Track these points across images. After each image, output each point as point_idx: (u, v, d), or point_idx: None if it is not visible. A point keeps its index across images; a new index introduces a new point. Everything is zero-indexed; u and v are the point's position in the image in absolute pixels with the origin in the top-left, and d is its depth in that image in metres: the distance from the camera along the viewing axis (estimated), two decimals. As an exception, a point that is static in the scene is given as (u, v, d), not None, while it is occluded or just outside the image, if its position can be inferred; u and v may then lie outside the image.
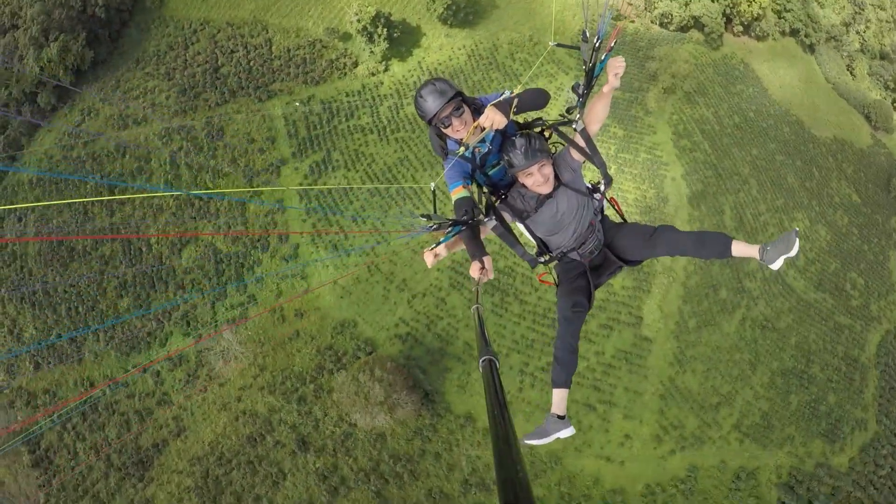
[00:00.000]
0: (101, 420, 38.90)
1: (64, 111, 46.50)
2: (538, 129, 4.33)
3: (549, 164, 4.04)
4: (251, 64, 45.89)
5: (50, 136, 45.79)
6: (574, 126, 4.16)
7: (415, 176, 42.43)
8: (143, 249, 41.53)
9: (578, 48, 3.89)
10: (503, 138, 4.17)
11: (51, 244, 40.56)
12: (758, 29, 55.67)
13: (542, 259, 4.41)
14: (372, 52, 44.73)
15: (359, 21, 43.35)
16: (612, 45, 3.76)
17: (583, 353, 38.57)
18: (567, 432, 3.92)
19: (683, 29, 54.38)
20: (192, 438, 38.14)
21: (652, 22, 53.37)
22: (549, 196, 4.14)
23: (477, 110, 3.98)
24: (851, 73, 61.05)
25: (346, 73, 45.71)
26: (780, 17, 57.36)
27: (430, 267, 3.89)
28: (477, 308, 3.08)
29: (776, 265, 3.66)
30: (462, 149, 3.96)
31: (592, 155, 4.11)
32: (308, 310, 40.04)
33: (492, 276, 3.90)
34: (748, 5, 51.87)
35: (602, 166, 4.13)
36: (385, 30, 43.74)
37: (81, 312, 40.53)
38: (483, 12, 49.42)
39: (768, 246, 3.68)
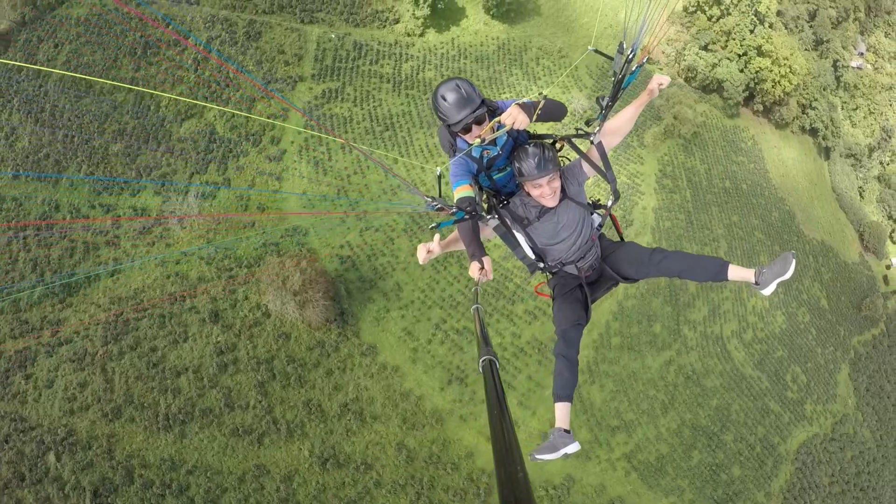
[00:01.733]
0: (52, 240, 41.17)
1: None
2: (551, 141, 4.34)
3: (558, 178, 4.02)
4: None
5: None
6: (591, 139, 4.18)
7: (411, 131, 44.77)
8: (151, 108, 44.64)
9: (613, 58, 3.92)
10: (514, 145, 4.14)
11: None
12: (778, 114, 56.96)
13: (541, 265, 4.37)
14: (415, 15, 48.09)
15: None
16: (645, 60, 3.87)
17: (500, 329, 39.31)
18: (573, 448, 3.69)
19: (706, 89, 55.99)
20: (121, 281, 39.89)
21: (679, 74, 55.41)
22: (551, 207, 4.12)
23: (494, 115, 3.92)
24: (861, 194, 61.61)
25: (385, 25, 49.11)
26: (803, 112, 58.67)
27: (422, 263, 3.91)
28: (477, 308, 3.00)
29: (769, 290, 3.74)
30: (477, 140, 3.86)
31: (606, 170, 4.11)
32: (271, 208, 42.11)
33: (490, 278, 3.87)
34: (773, 85, 53.49)
35: (613, 182, 4.11)
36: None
37: (76, 142, 43.48)
38: (525, 13, 52.47)
39: (764, 269, 3.73)
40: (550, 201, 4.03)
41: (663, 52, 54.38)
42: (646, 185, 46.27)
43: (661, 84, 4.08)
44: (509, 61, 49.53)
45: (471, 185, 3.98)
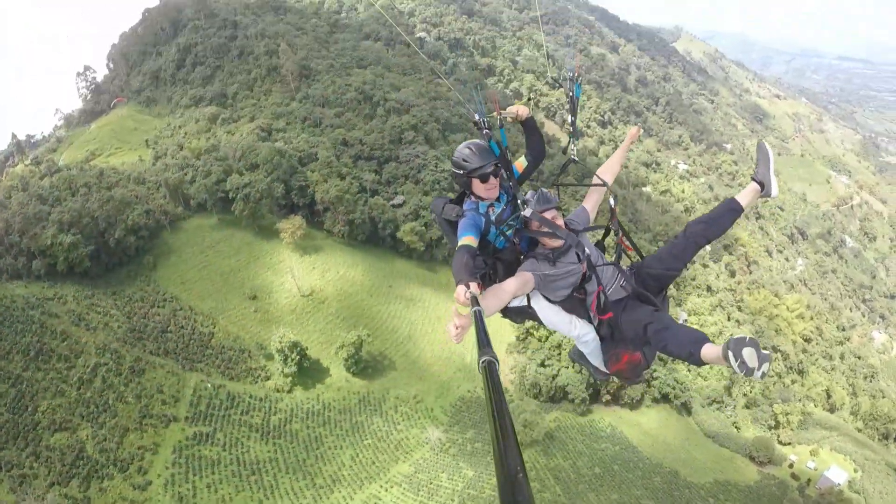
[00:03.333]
0: None
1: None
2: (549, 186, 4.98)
3: (560, 217, 4.43)
4: (191, 340, 56.51)
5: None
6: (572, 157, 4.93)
7: (277, 476, 49.15)
8: (29, 409, 42.96)
9: (562, 85, 4.82)
10: (514, 206, 4.46)
11: None
12: (625, 397, 64.27)
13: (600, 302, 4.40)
14: (283, 372, 56.89)
15: (280, 342, 56.92)
16: (578, 75, 4.66)
17: None
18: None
19: (553, 399, 63.15)
20: None
21: (526, 393, 64.14)
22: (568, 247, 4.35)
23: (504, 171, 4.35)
24: (737, 427, 69.42)
25: (257, 381, 56.51)
26: (648, 386, 66.43)
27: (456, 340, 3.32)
28: (477, 311, 2.94)
29: (774, 187, 4.68)
30: (488, 197, 4.36)
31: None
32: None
33: (477, 294, 3.33)
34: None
35: (613, 197, 4.65)
36: (298, 357, 57.12)
37: None
38: (382, 369, 62.58)
39: (757, 172, 4.64)
40: (555, 241, 4.32)
41: (509, 378, 64.46)
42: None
43: (635, 137, 4.97)
44: (370, 411, 57.56)
45: (475, 239, 4.11)
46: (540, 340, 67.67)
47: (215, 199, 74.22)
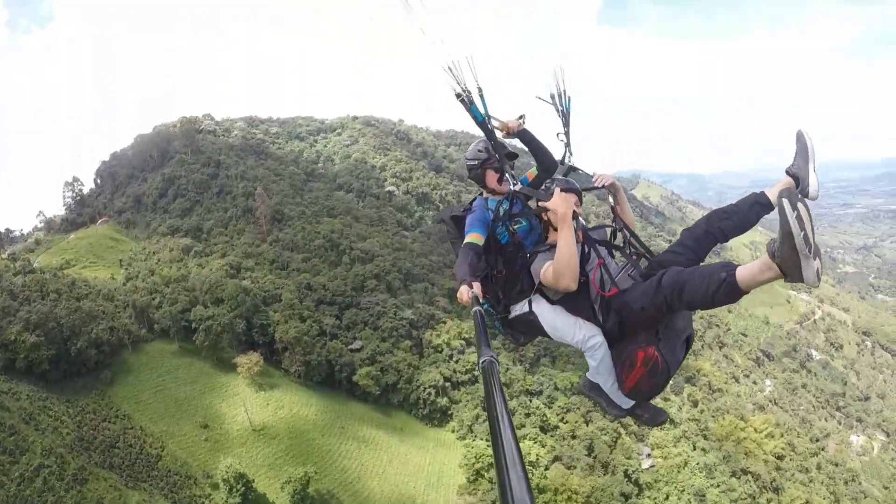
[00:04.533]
0: None
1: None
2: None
3: (580, 207, 4.39)
4: (137, 459, 56.37)
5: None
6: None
7: None
8: None
9: (553, 102, 4.76)
10: (523, 202, 4.53)
11: None
12: None
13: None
14: (227, 502, 55.85)
15: (226, 471, 56.16)
16: (565, 90, 4.72)
17: None
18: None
19: None
20: None
21: None
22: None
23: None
24: None
25: (201, 510, 55.96)
26: None
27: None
28: (477, 312, 3.01)
29: (813, 184, 3.98)
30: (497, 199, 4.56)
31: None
32: None
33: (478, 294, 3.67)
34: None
35: (612, 197, 4.65)
36: (243, 489, 56.00)
37: None
38: None
39: (793, 164, 4.01)
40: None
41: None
42: None
43: (607, 181, 4.55)
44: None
45: (481, 236, 4.22)
46: (490, 482, 68.23)
47: (179, 326, 76.93)
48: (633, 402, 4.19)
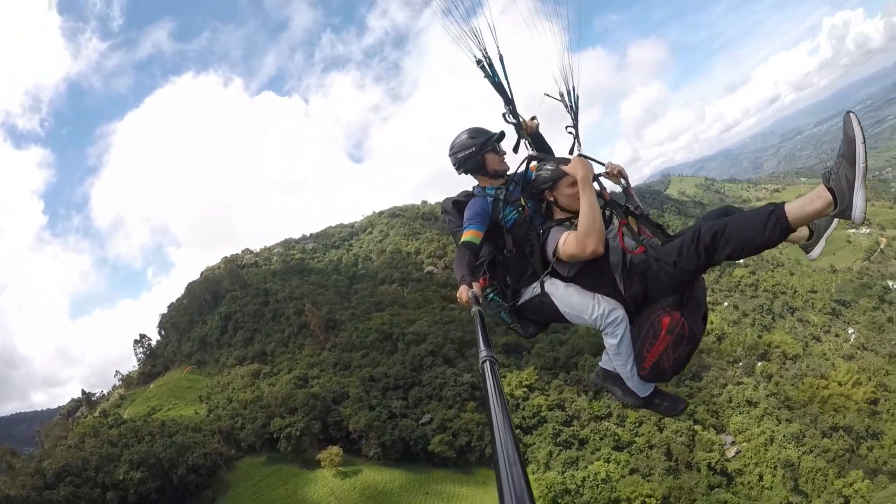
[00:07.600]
0: None
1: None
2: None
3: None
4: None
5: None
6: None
7: None
8: None
9: (561, 98, 4.81)
10: (525, 186, 4.35)
11: None
12: None
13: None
14: None
15: None
16: (576, 87, 4.72)
17: None
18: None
19: None
20: None
21: None
22: None
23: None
24: None
25: None
26: None
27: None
28: (478, 311, 2.97)
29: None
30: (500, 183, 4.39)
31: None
32: None
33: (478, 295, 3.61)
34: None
35: (623, 179, 4.45)
36: None
37: None
38: None
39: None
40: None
41: None
42: None
43: (622, 173, 4.38)
44: None
45: (479, 233, 4.05)
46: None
47: (262, 440, 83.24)
48: (651, 389, 4.05)
